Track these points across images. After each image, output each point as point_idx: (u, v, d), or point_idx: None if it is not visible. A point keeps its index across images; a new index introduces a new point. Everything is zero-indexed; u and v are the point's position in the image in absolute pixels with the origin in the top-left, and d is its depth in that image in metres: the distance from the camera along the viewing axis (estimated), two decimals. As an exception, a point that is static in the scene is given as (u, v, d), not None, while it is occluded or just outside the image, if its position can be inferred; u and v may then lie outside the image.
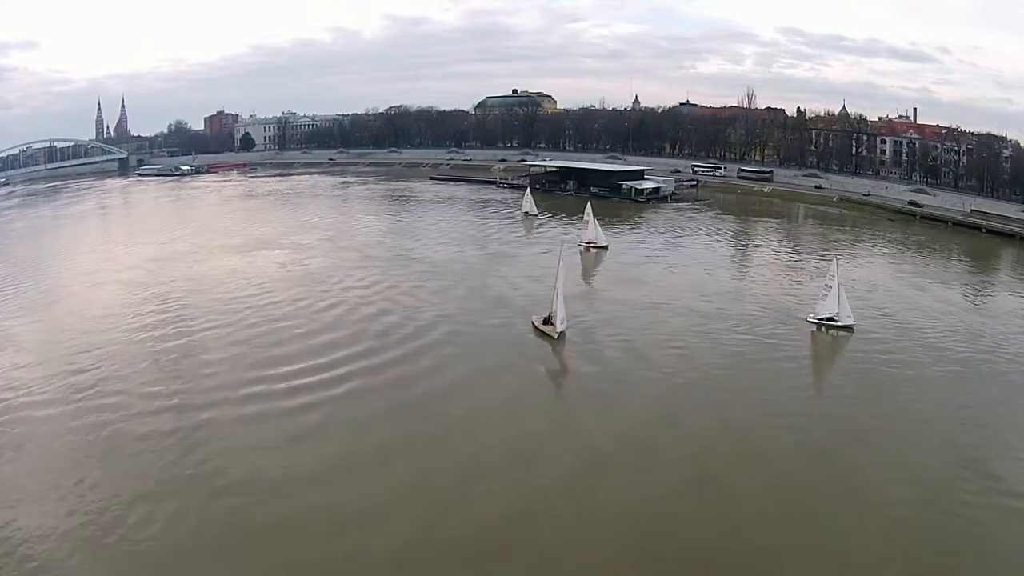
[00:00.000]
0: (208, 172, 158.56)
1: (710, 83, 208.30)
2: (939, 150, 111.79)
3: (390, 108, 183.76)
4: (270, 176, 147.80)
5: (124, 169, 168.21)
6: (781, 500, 23.63)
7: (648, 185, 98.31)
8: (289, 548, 20.94)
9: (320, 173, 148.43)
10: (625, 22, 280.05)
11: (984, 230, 78.51)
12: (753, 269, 58.83)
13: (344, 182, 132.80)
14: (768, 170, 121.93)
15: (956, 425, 28.96)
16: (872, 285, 51.57)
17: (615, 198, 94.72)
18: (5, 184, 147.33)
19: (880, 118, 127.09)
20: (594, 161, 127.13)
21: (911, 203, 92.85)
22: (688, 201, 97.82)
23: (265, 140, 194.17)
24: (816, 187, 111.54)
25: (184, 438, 27.61)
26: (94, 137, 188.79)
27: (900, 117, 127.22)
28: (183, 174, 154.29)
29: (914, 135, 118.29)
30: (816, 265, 57.05)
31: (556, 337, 38.24)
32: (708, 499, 23.51)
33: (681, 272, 56.09)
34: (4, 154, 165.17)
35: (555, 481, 24.62)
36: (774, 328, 41.03)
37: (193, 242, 69.50)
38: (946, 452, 26.78)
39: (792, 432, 28.41)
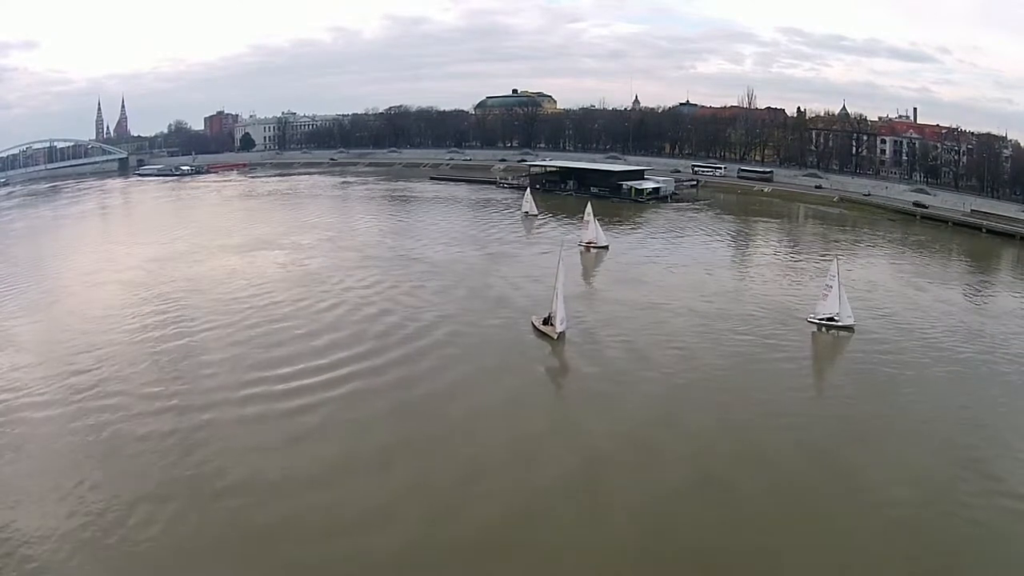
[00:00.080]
0: (208, 172, 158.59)
1: (710, 83, 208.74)
2: (939, 150, 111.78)
3: (390, 108, 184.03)
4: (270, 176, 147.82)
5: (124, 169, 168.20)
6: (781, 500, 23.64)
7: (648, 185, 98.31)
8: (289, 549, 20.94)
9: (320, 173, 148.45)
10: (625, 22, 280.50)
11: (984, 230, 78.49)
12: (753, 269, 58.83)
13: (344, 182, 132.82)
14: (768, 170, 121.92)
15: (956, 425, 28.95)
16: (872, 285, 51.59)
17: (615, 198, 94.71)
18: (5, 184, 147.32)
19: (880, 118, 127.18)
20: (594, 161, 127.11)
21: (916, 204, 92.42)
22: (688, 201, 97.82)
23: (265, 140, 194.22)
24: (816, 187, 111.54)
25: (184, 439, 27.61)
26: (94, 137, 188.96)
27: (900, 117, 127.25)
28: (183, 174, 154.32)
29: (914, 135, 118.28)
30: (816, 265, 57.05)
31: (556, 337, 38.24)
32: (708, 499, 23.51)
33: (681, 272, 56.09)
34: (4, 154, 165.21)
35: (555, 481, 24.63)
36: (774, 328, 41.03)
37: (193, 242, 69.51)
38: (946, 452, 26.78)
39: (792, 432, 28.41)
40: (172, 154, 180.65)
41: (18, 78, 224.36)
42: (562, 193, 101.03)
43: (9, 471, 25.64)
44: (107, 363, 35.92)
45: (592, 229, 64.13)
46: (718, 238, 73.38)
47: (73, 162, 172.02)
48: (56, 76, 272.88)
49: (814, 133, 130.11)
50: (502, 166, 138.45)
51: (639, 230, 76.64)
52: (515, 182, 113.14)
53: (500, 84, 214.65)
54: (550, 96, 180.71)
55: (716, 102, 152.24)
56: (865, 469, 25.44)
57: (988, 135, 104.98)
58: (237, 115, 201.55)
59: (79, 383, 33.24)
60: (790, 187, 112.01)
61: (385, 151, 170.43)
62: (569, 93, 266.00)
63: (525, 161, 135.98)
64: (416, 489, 24.01)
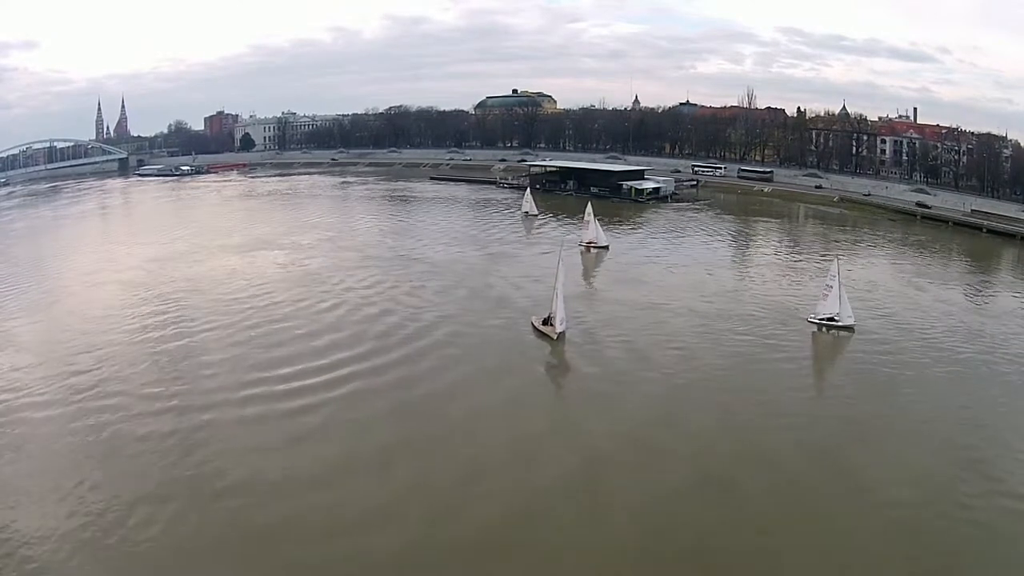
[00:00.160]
0: (208, 172, 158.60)
1: (710, 83, 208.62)
2: (939, 150, 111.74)
3: (390, 108, 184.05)
4: (270, 176, 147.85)
5: (124, 169, 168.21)
6: (781, 500, 23.65)
7: (648, 185, 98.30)
8: (290, 549, 20.94)
9: (320, 173, 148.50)
10: (625, 22, 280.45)
11: (985, 230, 78.48)
12: (754, 269, 58.81)
13: (344, 182, 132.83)
14: (768, 170, 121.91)
15: (956, 425, 28.94)
16: (873, 285, 51.59)
17: (615, 198, 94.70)
18: (5, 184, 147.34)
19: (880, 118, 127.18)
20: (594, 161, 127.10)
21: (919, 204, 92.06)
22: (688, 201, 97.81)
23: (265, 140, 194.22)
24: (816, 187, 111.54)
25: (184, 439, 27.61)
26: (94, 137, 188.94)
27: (900, 117, 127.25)
28: (183, 174, 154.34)
29: (914, 135, 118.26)
30: (816, 265, 57.06)
31: (556, 338, 38.23)
32: (708, 499, 23.51)
33: (681, 272, 56.09)
34: (4, 154, 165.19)
35: (555, 481, 24.64)
36: (775, 328, 41.02)
37: (193, 242, 69.52)
38: (946, 452, 26.77)
39: (792, 432, 28.41)
40: (172, 154, 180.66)
41: (18, 78, 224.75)
42: (562, 193, 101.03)
43: (9, 471, 25.64)
44: (107, 363, 35.92)
45: (592, 229, 64.14)
46: (718, 238, 73.37)
47: (73, 162, 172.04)
48: (56, 76, 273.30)
49: (814, 133, 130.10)
50: (502, 166, 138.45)
51: (639, 230, 76.63)
52: (515, 182, 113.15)
53: (500, 84, 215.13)
54: (550, 96, 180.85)
55: (716, 102, 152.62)
56: (865, 469, 25.44)
57: (988, 135, 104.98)
58: (237, 115, 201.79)
59: (79, 383, 33.24)
60: (790, 187, 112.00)
61: (385, 151, 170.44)
62: (569, 93, 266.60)
63: (525, 161, 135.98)
64: (416, 489, 24.01)
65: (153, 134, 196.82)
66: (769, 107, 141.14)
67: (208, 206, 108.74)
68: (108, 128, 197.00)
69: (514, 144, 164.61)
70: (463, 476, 24.88)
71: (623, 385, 32.90)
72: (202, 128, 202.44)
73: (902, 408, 30.82)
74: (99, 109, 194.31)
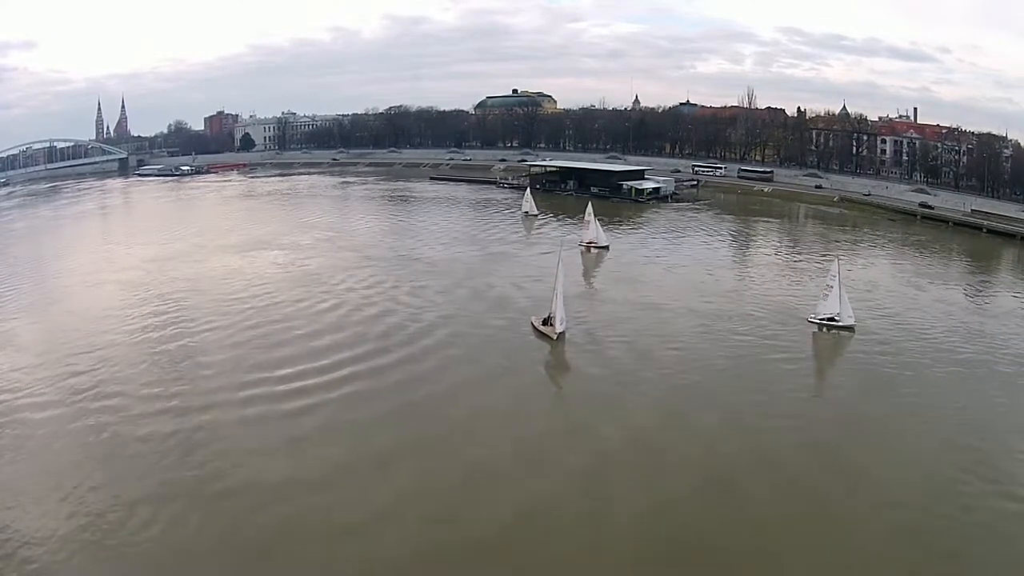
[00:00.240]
0: (208, 172, 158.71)
1: (710, 83, 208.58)
2: (939, 150, 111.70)
3: (390, 108, 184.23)
4: (270, 176, 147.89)
5: (124, 169, 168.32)
6: (782, 501, 23.66)
7: (648, 185, 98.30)
8: (291, 550, 20.92)
9: (320, 173, 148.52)
10: (625, 22, 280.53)
11: (985, 230, 78.48)
12: (754, 269, 58.81)
13: (344, 182, 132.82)
14: (768, 170, 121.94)
15: (956, 426, 28.92)
16: (873, 285, 51.59)
17: (615, 198, 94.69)
18: (5, 184, 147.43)
19: (880, 118, 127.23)
20: (594, 161, 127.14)
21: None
22: (688, 201, 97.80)
23: (265, 140, 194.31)
24: (816, 187, 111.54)
25: (185, 440, 27.58)
26: (94, 137, 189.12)
27: (900, 117, 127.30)
28: (183, 174, 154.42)
29: (914, 135, 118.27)
30: (817, 265, 57.05)
31: (555, 338, 38.19)
32: (709, 500, 23.52)
33: (682, 272, 56.07)
34: (4, 154, 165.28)
35: (556, 482, 24.61)
36: (775, 329, 41.00)
37: (193, 242, 69.53)
38: (946, 453, 26.75)
39: (793, 433, 28.40)
40: (172, 154, 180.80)
41: (18, 78, 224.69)
42: (562, 193, 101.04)
43: (9, 472, 25.61)
44: (107, 363, 35.89)
45: (593, 229, 64.14)
46: (718, 238, 73.35)
47: (73, 162, 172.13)
48: (56, 76, 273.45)
49: (814, 133, 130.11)
50: (502, 166, 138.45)
51: (640, 230, 76.62)
52: (515, 182, 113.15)
53: (500, 84, 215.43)
54: (550, 96, 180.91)
55: (716, 102, 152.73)
56: (866, 469, 25.44)
57: (988, 135, 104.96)
58: (237, 115, 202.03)
59: (79, 383, 33.21)
60: (790, 187, 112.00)
61: (385, 151, 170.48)
62: (569, 93, 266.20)
63: (525, 161, 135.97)
64: (417, 490, 23.96)
65: (153, 134, 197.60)
66: (769, 107, 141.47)
67: (208, 206, 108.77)
68: (108, 128, 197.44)
69: (514, 144, 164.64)
70: (464, 477, 24.85)
71: (624, 385, 32.87)
72: (202, 128, 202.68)
73: (903, 409, 30.77)
74: (99, 109, 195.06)
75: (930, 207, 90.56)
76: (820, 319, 41.19)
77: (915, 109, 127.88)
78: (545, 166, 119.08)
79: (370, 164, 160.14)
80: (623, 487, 24.30)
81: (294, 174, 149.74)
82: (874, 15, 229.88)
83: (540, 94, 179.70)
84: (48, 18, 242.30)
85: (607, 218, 72.69)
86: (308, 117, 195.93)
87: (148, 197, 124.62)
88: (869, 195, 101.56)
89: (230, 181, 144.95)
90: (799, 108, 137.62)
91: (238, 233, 74.27)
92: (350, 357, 36.05)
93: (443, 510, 22.94)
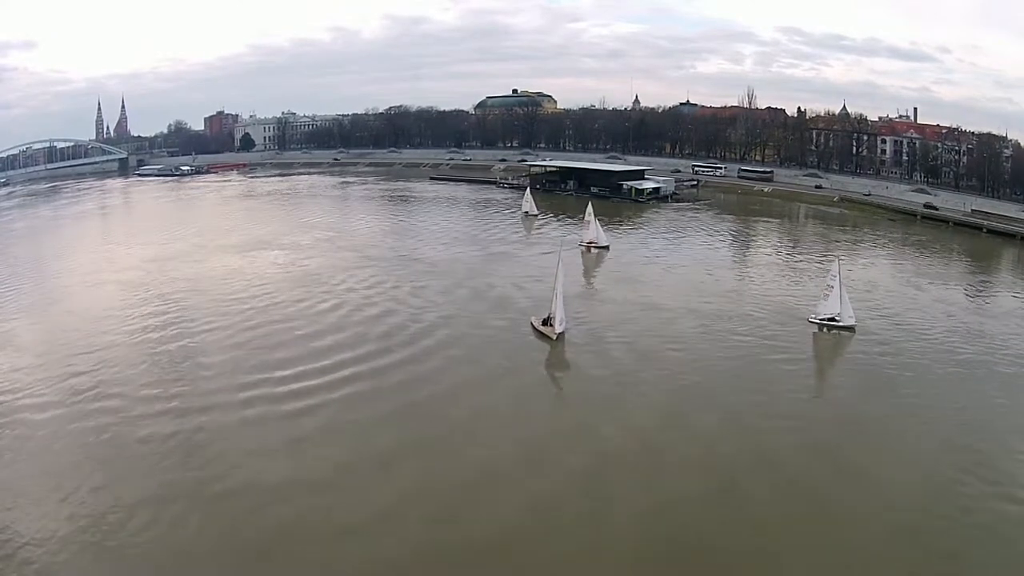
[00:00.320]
0: (208, 172, 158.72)
1: (710, 83, 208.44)
2: (939, 150, 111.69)
3: (390, 108, 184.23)
4: (270, 176, 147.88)
5: (124, 169, 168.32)
6: (782, 501, 23.66)
7: (648, 185, 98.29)
8: (291, 551, 20.93)
9: (320, 173, 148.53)
10: (625, 22, 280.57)
11: (985, 230, 78.44)
12: (754, 269, 58.81)
13: (344, 182, 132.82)
14: (768, 170, 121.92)
15: (956, 426, 28.92)
16: (873, 285, 51.58)
17: (615, 198, 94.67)
18: (5, 184, 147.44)
19: (880, 118, 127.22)
20: (594, 161, 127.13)
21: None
22: (689, 201, 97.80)
23: (265, 140, 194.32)
24: (816, 187, 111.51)
25: (185, 441, 27.58)
26: (94, 137, 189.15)
27: (900, 117, 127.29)
28: (183, 174, 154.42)
29: (914, 135, 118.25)
30: (817, 265, 57.06)
31: (555, 338, 38.19)
32: (710, 500, 23.51)
33: (682, 272, 56.07)
34: (4, 154, 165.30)
35: (556, 483, 24.61)
36: (775, 329, 40.98)
37: (193, 242, 69.53)
38: (946, 454, 26.75)
39: (793, 433, 28.40)
40: (172, 154, 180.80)
41: (18, 78, 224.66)
42: (562, 193, 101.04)
43: (9, 473, 25.61)
44: (107, 364, 35.87)
45: (593, 229, 64.14)
46: (719, 238, 73.34)
47: (73, 162, 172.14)
48: (56, 76, 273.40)
49: (814, 133, 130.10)
50: (502, 166, 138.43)
51: (640, 230, 76.61)
52: (515, 182, 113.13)
53: (500, 84, 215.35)
54: (550, 96, 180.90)
55: (716, 102, 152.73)
56: (866, 470, 25.43)
57: (988, 135, 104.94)
58: (237, 115, 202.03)
59: (79, 384, 33.20)
60: (790, 187, 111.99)
61: (385, 151, 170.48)
62: (569, 93, 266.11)
63: (525, 161, 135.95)
64: (418, 491, 23.96)
65: (153, 134, 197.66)
66: (769, 107, 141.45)
67: (208, 206, 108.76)
68: (108, 128, 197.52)
69: (514, 144, 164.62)
70: (464, 478, 24.84)
71: (623, 386, 32.88)
72: (202, 128, 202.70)
73: (902, 409, 30.76)
74: (99, 109, 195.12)
75: (934, 207, 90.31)
76: (821, 319, 41.17)
77: (915, 109, 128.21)
78: (545, 166, 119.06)
79: (370, 164, 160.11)
80: (623, 487, 24.31)
81: (294, 174, 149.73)
82: (874, 15, 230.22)
83: (540, 94, 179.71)
84: (48, 18, 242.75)
85: (607, 218, 72.68)
86: (308, 117, 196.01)
87: (148, 197, 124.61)
88: (869, 195, 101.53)
89: (230, 181, 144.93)
90: (799, 108, 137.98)
91: (238, 233, 74.27)
92: (351, 358, 36.03)
93: (443, 510, 22.93)
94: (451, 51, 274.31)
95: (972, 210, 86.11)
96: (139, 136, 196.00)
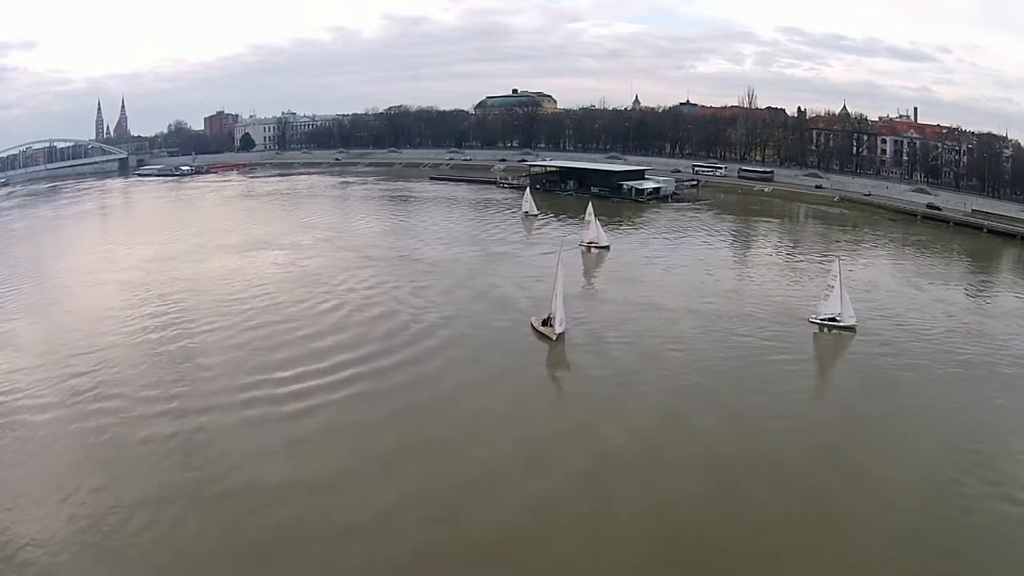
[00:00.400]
0: (208, 172, 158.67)
1: (710, 83, 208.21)
2: (940, 150, 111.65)
3: (390, 108, 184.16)
4: (270, 176, 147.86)
5: (124, 169, 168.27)
6: (783, 501, 23.65)
7: (649, 185, 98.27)
8: (292, 552, 20.92)
9: (320, 173, 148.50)
10: (625, 22, 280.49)
11: (985, 230, 78.43)
12: (754, 269, 58.80)
13: (344, 182, 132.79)
14: (769, 170, 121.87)
15: (957, 427, 28.92)
16: (874, 285, 51.57)
17: (616, 198, 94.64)
18: (5, 184, 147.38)
19: (880, 118, 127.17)
20: (594, 161, 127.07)
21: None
22: (689, 201, 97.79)
23: (265, 140, 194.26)
24: (817, 187, 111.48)
25: (185, 442, 27.57)
26: (94, 137, 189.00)
27: (900, 117, 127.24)
28: (183, 174, 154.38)
29: (915, 135, 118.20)
30: (817, 265, 57.05)
31: (555, 338, 38.17)
32: (710, 500, 23.51)
33: (682, 272, 56.05)
34: (4, 154, 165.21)
35: (556, 483, 24.60)
36: (776, 329, 40.95)
37: (193, 242, 69.52)
38: (947, 454, 26.74)
39: (794, 433, 28.41)
40: (172, 154, 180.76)
41: (18, 78, 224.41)
42: (562, 193, 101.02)
43: (9, 473, 25.59)
44: (107, 365, 35.85)
45: (593, 229, 64.15)
46: (719, 238, 73.31)
47: (73, 162, 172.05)
48: (56, 76, 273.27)
49: (814, 133, 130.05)
50: (502, 166, 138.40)
51: (640, 230, 76.61)
52: (515, 182, 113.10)
53: (500, 84, 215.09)
54: (550, 96, 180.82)
55: (716, 102, 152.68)
56: (866, 470, 25.42)
57: (989, 135, 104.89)
58: (237, 115, 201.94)
59: (79, 385, 33.18)
60: (790, 187, 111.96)
61: (385, 151, 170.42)
62: (569, 93, 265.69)
63: (525, 161, 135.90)
64: (418, 491, 23.94)
65: (153, 134, 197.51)
66: (769, 107, 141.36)
67: (208, 206, 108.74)
68: (108, 128, 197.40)
69: (514, 144, 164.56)
70: (464, 478, 24.83)
71: (624, 386, 32.87)
72: (202, 128, 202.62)
73: (903, 409, 30.76)
74: (99, 109, 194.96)
75: (937, 208, 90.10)
76: (821, 319, 41.16)
77: (915, 109, 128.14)
78: (545, 166, 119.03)
79: (370, 164, 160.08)
80: (623, 487, 24.31)
81: (294, 174, 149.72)
82: (874, 15, 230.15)
83: (540, 94, 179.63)
84: (48, 18, 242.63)
85: (607, 218, 72.68)
86: (308, 117, 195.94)
87: (148, 197, 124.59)
88: (869, 195, 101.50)
89: (230, 181, 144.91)
90: (799, 108, 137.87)
91: (238, 233, 74.26)
92: (352, 358, 35.98)
93: (444, 511, 22.92)
94: (451, 51, 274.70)
95: (972, 210, 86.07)
96: (139, 136, 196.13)
